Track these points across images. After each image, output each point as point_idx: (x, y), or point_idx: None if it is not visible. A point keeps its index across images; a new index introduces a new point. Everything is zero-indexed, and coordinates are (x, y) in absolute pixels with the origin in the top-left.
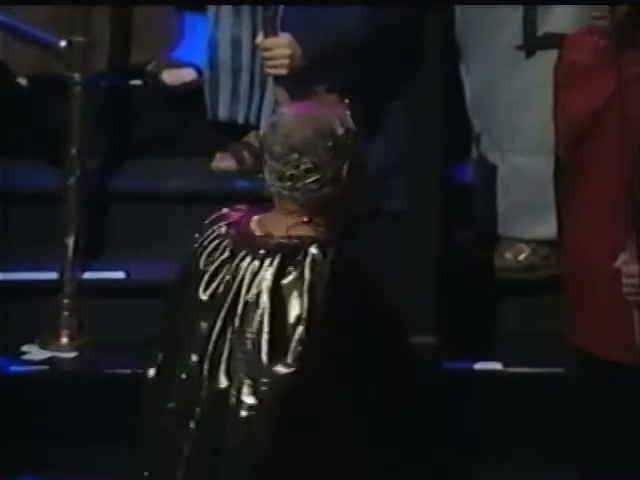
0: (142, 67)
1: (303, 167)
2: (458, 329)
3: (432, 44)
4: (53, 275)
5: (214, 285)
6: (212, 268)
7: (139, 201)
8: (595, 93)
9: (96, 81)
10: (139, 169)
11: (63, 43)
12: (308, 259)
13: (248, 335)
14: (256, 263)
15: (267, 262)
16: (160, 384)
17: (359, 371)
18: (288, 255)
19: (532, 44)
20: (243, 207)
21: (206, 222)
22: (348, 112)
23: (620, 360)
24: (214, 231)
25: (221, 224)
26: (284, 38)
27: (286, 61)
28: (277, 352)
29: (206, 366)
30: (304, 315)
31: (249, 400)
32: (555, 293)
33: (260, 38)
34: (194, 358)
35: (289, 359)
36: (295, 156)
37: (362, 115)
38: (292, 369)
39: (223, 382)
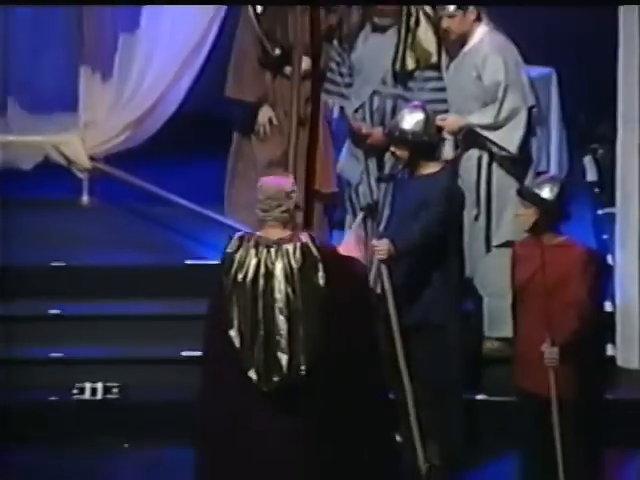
0: None
1: (282, 209)
2: None
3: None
4: None
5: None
6: (241, 257)
7: None
8: None
9: None
10: None
11: None
12: (308, 241)
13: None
14: (272, 251)
15: (286, 248)
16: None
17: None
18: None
19: None
20: (245, 232)
21: (234, 239)
22: (292, 180)
23: None
24: (241, 240)
25: (244, 238)
26: (384, 241)
27: (385, 253)
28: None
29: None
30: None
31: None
32: None
33: (373, 240)
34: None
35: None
36: (277, 202)
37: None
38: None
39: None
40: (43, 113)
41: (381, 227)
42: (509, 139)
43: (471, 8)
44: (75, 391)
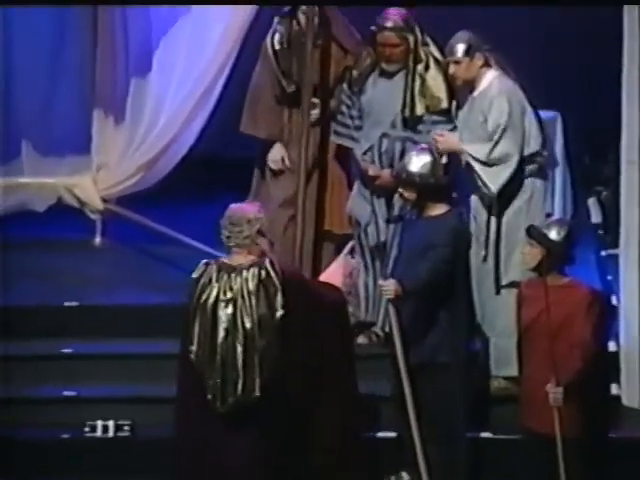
0: None
1: (243, 235)
2: None
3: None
4: None
5: (209, 291)
6: (207, 282)
7: None
8: None
9: None
10: None
11: None
12: (267, 267)
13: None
14: (232, 275)
15: (245, 272)
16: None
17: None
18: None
19: None
20: (212, 260)
21: (200, 265)
22: (257, 209)
23: None
24: (207, 266)
25: (209, 264)
26: (392, 281)
27: (392, 293)
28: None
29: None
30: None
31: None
32: None
33: (380, 280)
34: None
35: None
36: (239, 228)
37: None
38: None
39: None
40: (56, 156)
41: (389, 267)
42: (493, 178)
43: (478, 54)
44: (87, 429)
